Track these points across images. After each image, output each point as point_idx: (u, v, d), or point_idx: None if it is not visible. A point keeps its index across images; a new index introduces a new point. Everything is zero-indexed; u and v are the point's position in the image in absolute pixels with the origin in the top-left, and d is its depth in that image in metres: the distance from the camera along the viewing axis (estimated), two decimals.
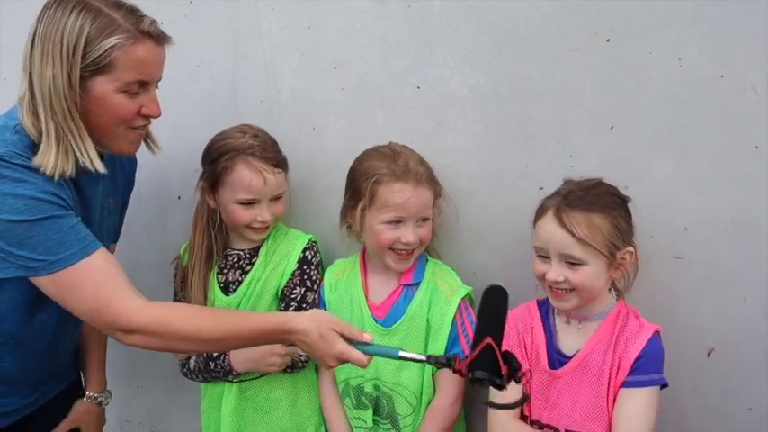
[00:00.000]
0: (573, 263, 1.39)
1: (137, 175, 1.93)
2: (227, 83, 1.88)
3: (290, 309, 1.67)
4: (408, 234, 1.56)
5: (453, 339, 1.58)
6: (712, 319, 1.55)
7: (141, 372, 2.18)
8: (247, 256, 1.73)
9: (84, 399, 1.72)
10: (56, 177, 1.31)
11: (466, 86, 1.65)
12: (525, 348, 1.50)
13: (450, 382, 1.59)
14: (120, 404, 2.17)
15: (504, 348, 1.23)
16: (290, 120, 1.80)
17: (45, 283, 1.30)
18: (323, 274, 1.74)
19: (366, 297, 1.65)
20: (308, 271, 1.70)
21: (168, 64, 1.89)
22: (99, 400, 1.74)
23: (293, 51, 1.79)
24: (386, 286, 1.65)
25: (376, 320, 1.62)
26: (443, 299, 1.59)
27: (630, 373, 1.39)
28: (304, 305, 1.67)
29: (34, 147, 1.33)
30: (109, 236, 1.59)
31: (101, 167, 1.35)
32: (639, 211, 1.49)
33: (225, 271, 1.72)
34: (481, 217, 1.69)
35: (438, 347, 1.57)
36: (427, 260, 1.66)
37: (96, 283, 1.30)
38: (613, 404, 1.41)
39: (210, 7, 1.86)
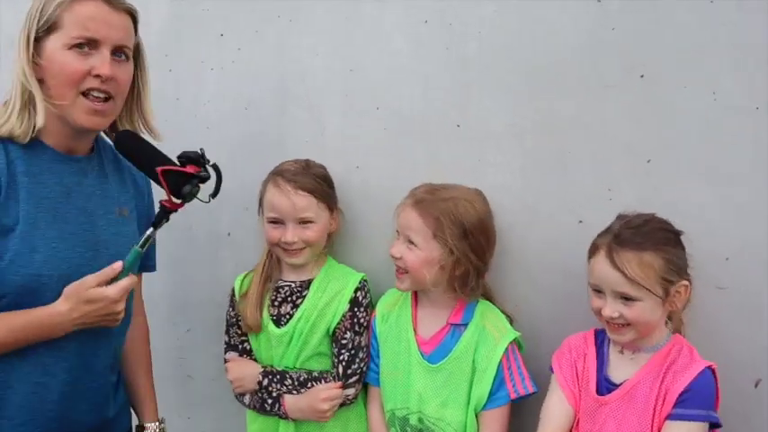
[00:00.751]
0: (627, 299, 1.41)
1: (188, 213, 2.00)
2: (275, 124, 1.95)
3: (343, 353, 1.71)
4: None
5: (499, 382, 1.60)
6: (758, 350, 1.53)
7: (192, 403, 2.24)
8: (298, 289, 1.78)
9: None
10: (25, 141, 1.35)
11: (504, 123, 1.69)
12: (577, 372, 1.52)
13: (492, 425, 1.61)
14: None
15: (186, 170, 1.39)
16: (335, 158, 1.85)
17: None
18: (371, 314, 1.79)
19: (415, 331, 1.68)
20: (358, 314, 1.74)
21: (218, 107, 2.01)
22: (161, 427, 1.72)
23: (337, 93, 1.86)
24: (435, 322, 1.67)
25: (422, 356, 1.65)
26: (491, 342, 1.61)
27: (675, 405, 1.39)
28: (352, 350, 1.72)
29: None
30: (131, 246, 1.54)
31: (41, 121, 1.35)
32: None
33: (276, 304, 1.78)
34: (521, 250, 1.71)
35: (483, 389, 1.59)
36: (477, 302, 1.67)
37: None
38: None
39: (258, 53, 1.95)
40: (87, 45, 1.37)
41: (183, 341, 2.20)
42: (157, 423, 1.72)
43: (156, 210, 1.44)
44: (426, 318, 1.69)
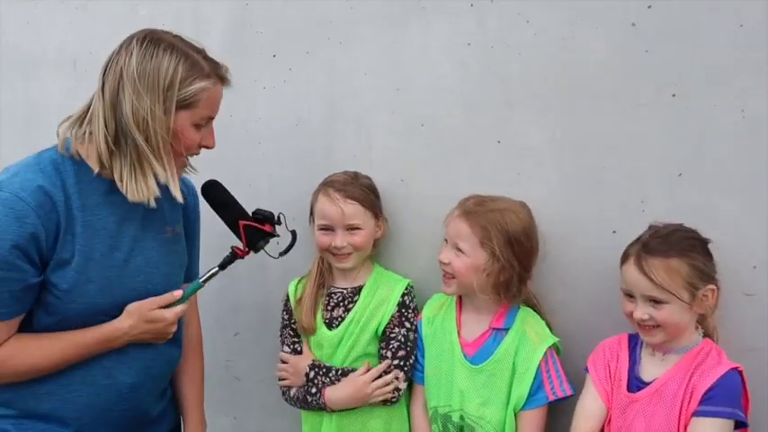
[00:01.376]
0: (656, 302, 1.49)
1: None
2: (323, 139, 2.04)
3: (392, 344, 1.80)
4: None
5: (538, 385, 1.67)
6: None
7: (239, 403, 2.32)
8: (350, 294, 1.88)
9: None
10: (138, 202, 1.42)
11: (542, 139, 1.76)
12: (610, 372, 1.60)
13: (531, 424, 1.68)
14: None
15: (264, 228, 1.57)
16: (381, 172, 1.93)
17: None
18: (417, 317, 1.87)
19: (459, 334, 1.77)
20: (406, 314, 1.84)
21: (270, 123, 2.11)
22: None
23: (383, 110, 1.94)
24: (478, 326, 1.76)
25: (465, 357, 1.73)
26: (530, 346, 1.68)
27: (701, 403, 1.46)
28: (408, 343, 1.81)
29: (61, 170, 1.41)
30: (180, 264, 1.65)
31: (180, 197, 1.47)
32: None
33: (329, 308, 1.88)
34: (559, 258, 1.77)
35: (522, 390, 1.67)
36: (519, 308, 1.75)
37: None
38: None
39: (308, 73, 2.04)
40: (207, 120, 1.51)
41: (230, 344, 2.29)
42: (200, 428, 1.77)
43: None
44: (470, 322, 1.78)
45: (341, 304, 1.88)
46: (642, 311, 1.51)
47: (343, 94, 2.00)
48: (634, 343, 1.62)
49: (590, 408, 1.60)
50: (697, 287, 1.47)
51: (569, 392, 1.68)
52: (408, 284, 1.88)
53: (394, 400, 1.81)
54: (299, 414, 1.95)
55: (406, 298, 1.85)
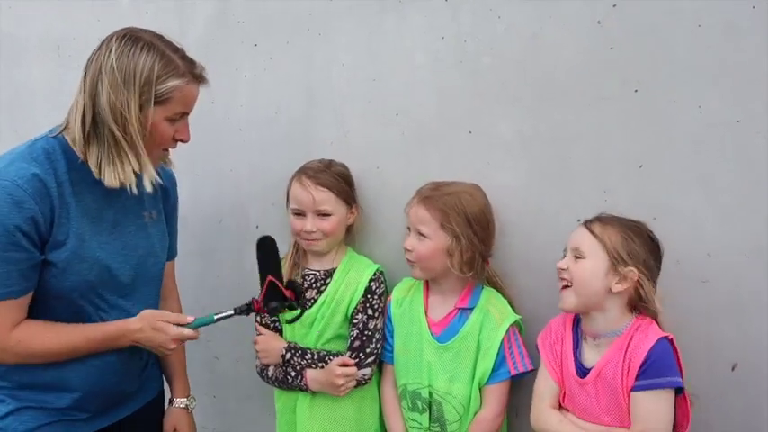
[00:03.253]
0: (578, 257, 1.56)
1: (219, 206, 2.17)
2: (302, 127, 2.08)
3: (354, 331, 1.87)
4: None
5: (501, 360, 1.76)
6: (736, 336, 1.65)
7: (217, 383, 2.38)
8: (322, 276, 1.93)
9: (173, 406, 1.86)
10: (117, 187, 1.50)
11: (511, 131, 1.81)
12: (556, 354, 1.66)
13: (495, 398, 1.77)
14: (196, 413, 2.27)
15: (286, 292, 1.59)
16: (356, 160, 1.98)
17: None
18: (386, 301, 1.94)
19: (426, 314, 1.84)
20: (371, 300, 1.89)
21: (250, 111, 2.14)
22: (186, 404, 1.88)
23: (360, 100, 1.98)
24: (444, 307, 1.84)
25: (432, 336, 1.81)
26: (493, 324, 1.76)
27: (638, 377, 1.51)
28: (366, 331, 1.87)
29: (53, 159, 1.48)
30: (161, 245, 1.74)
31: (150, 187, 1.54)
32: (667, 239, 1.60)
33: (304, 289, 1.92)
34: (525, 246, 1.84)
35: (486, 365, 1.75)
36: (482, 288, 1.83)
37: None
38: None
39: (287, 62, 2.08)
40: (180, 116, 1.57)
41: (211, 325, 2.33)
42: (185, 399, 1.89)
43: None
44: (436, 303, 1.85)
45: (314, 286, 1.94)
46: (565, 262, 1.58)
47: (322, 84, 2.04)
48: (577, 324, 1.67)
49: (543, 386, 1.67)
50: (620, 260, 1.52)
51: (530, 367, 1.77)
52: (377, 270, 1.93)
53: (363, 383, 1.88)
54: (273, 393, 2.02)
55: (373, 284, 1.90)
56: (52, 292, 1.53)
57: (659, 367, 1.50)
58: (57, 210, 1.49)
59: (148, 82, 1.48)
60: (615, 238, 1.54)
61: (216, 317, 1.62)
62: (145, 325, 1.57)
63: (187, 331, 1.60)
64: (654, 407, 1.50)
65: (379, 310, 1.90)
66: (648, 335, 1.53)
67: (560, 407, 1.66)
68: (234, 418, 2.39)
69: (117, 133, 1.48)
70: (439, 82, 1.89)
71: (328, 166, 1.92)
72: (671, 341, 1.53)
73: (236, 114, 2.18)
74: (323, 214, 1.87)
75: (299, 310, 1.64)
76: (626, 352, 1.54)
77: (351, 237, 2.01)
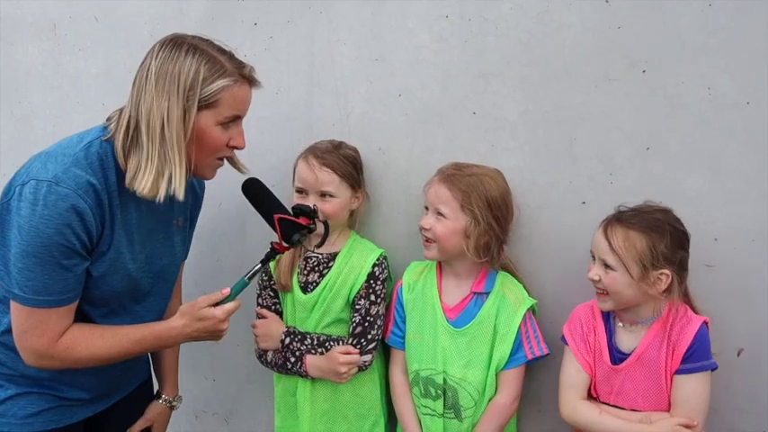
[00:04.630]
0: (607, 266, 1.56)
1: (219, 189, 2.13)
2: (303, 108, 2.05)
3: (356, 317, 1.85)
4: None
5: (518, 345, 1.75)
6: (742, 322, 1.65)
7: (217, 367, 2.37)
8: (325, 260, 1.91)
9: (160, 401, 1.87)
10: (148, 197, 1.45)
11: (517, 112, 1.79)
12: (589, 345, 1.66)
13: (511, 383, 1.76)
14: (196, 396, 2.38)
15: (299, 221, 1.60)
16: (359, 141, 1.95)
17: (9, 300, 1.46)
18: (390, 287, 1.92)
19: (440, 299, 1.82)
20: (374, 286, 1.87)
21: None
22: (173, 404, 1.90)
23: (362, 80, 1.96)
24: (458, 291, 1.82)
25: (448, 321, 1.79)
26: (511, 308, 1.75)
27: (683, 361, 1.54)
28: (368, 317, 1.85)
29: (106, 167, 1.46)
30: (182, 251, 1.74)
31: (182, 195, 1.47)
32: None
33: (305, 272, 1.91)
34: (530, 228, 1.82)
35: (504, 350, 1.74)
36: (497, 273, 1.81)
37: (47, 319, 1.45)
38: (671, 389, 1.57)
39: (288, 42, 2.04)
40: (232, 120, 1.53)
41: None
42: (171, 398, 1.90)
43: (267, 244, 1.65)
44: (450, 287, 1.83)
45: (316, 269, 1.91)
46: (594, 272, 1.58)
47: (323, 64, 2.01)
48: (606, 312, 1.67)
49: (575, 378, 1.66)
50: (648, 267, 1.51)
51: (546, 351, 1.76)
52: (381, 254, 1.90)
53: (363, 369, 1.87)
54: (273, 377, 2.00)
55: (376, 269, 1.88)
56: (79, 300, 1.51)
57: (703, 351, 1.55)
58: (107, 222, 1.48)
59: (193, 85, 1.43)
60: (640, 246, 1.52)
61: (246, 278, 1.59)
62: (189, 319, 1.54)
63: (230, 305, 1.56)
64: (697, 389, 1.54)
65: (382, 296, 1.88)
66: (691, 320, 1.56)
67: (590, 397, 1.67)
68: (234, 401, 2.38)
69: (153, 141, 1.43)
70: (443, 62, 1.87)
71: (337, 147, 1.89)
72: (707, 324, 1.58)
73: None
74: (325, 195, 1.84)
75: (314, 227, 1.64)
76: (669, 335, 1.56)
77: (354, 220, 1.98)
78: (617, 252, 1.53)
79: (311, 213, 1.63)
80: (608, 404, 1.63)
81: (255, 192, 1.66)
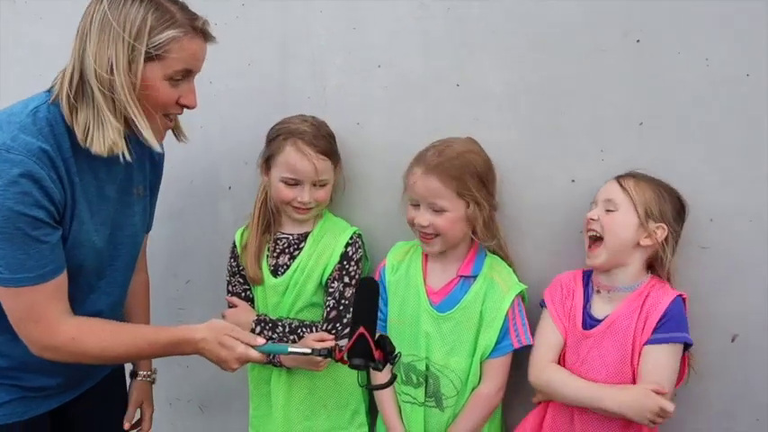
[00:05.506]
0: (609, 210, 1.56)
1: (189, 166, 2.05)
2: (276, 80, 1.97)
3: (330, 301, 1.78)
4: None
5: (504, 332, 1.68)
6: (736, 306, 1.61)
7: None
8: (296, 241, 1.83)
9: (139, 378, 1.82)
10: (105, 154, 1.36)
11: (502, 84, 1.73)
12: (565, 308, 1.65)
13: (496, 372, 1.70)
14: (170, 383, 2.31)
15: (375, 352, 1.39)
16: (336, 115, 1.88)
17: None
18: (365, 267, 1.85)
19: (425, 282, 1.75)
20: (347, 267, 1.79)
21: (221, 62, 1.99)
22: (152, 377, 1.84)
23: (339, 51, 1.88)
24: (444, 274, 1.74)
25: (431, 305, 1.72)
26: (498, 293, 1.69)
27: (654, 332, 1.53)
28: (342, 300, 1.77)
29: (57, 132, 1.37)
30: (143, 221, 1.66)
31: (157, 146, 1.41)
32: None
33: (275, 255, 1.83)
34: (515, 207, 1.76)
35: (490, 338, 1.68)
36: (486, 255, 1.74)
37: (36, 301, 1.36)
38: (638, 361, 1.54)
39: (261, 9, 1.96)
40: (182, 75, 1.43)
41: (182, 292, 2.25)
42: (149, 372, 1.83)
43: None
44: (436, 269, 1.76)
45: (286, 251, 1.84)
46: (595, 212, 1.58)
47: (298, 33, 1.93)
48: (587, 280, 1.66)
49: (551, 338, 1.64)
50: (652, 216, 1.54)
51: (532, 341, 1.69)
52: (354, 233, 1.83)
53: None
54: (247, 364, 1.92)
55: (349, 249, 1.81)
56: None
57: (676, 322, 1.54)
58: (66, 191, 1.39)
59: (140, 34, 1.34)
60: (648, 194, 1.55)
61: (290, 349, 1.50)
62: (211, 336, 1.47)
63: (254, 354, 1.48)
64: (664, 360, 1.53)
65: (357, 277, 1.81)
66: (667, 292, 1.57)
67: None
68: (207, 388, 2.33)
69: (102, 91, 1.34)
70: (424, 31, 1.79)
71: (318, 126, 1.80)
72: (684, 300, 1.57)
73: (205, 66, 2.00)
74: (320, 184, 1.77)
75: (380, 368, 1.44)
76: (642, 306, 1.56)
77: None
78: (627, 190, 1.55)
79: (391, 357, 1.42)
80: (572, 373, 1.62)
81: (367, 295, 1.45)
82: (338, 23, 1.88)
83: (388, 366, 1.43)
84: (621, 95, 1.63)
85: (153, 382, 1.85)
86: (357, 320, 1.41)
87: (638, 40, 1.59)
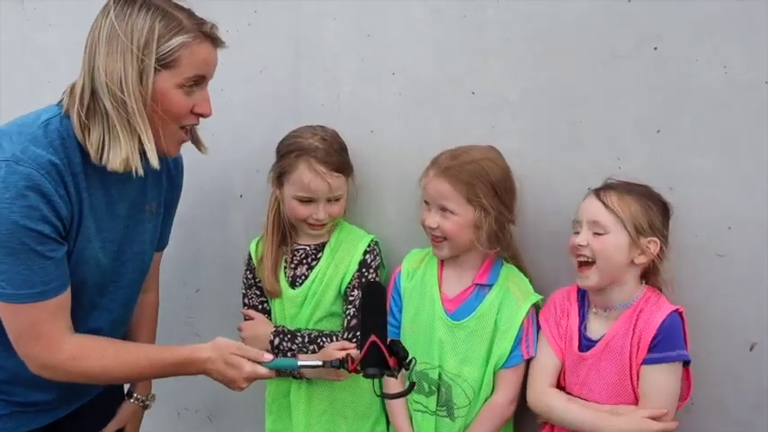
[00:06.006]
0: (598, 233, 1.51)
1: (200, 174, 2.03)
2: (289, 87, 1.97)
3: (350, 309, 1.76)
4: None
5: (517, 342, 1.67)
6: (755, 315, 1.59)
7: None
8: (313, 251, 1.82)
9: (132, 400, 1.77)
10: (121, 170, 1.34)
11: (517, 91, 1.72)
12: (561, 330, 1.62)
13: (509, 383, 1.68)
14: (178, 393, 2.28)
15: (390, 359, 1.36)
16: (349, 123, 1.87)
17: None
18: (382, 275, 1.84)
19: (440, 289, 1.74)
20: (366, 274, 1.79)
21: (233, 69, 1.99)
22: (146, 403, 1.80)
23: (353, 57, 1.88)
24: (460, 282, 1.73)
25: (446, 312, 1.71)
26: (514, 303, 1.67)
27: (649, 351, 1.50)
28: None
29: (68, 145, 1.35)
30: (154, 239, 1.63)
31: (156, 163, 1.37)
32: (684, 210, 1.56)
33: (293, 266, 1.82)
34: (531, 216, 1.75)
35: (504, 348, 1.66)
36: (502, 264, 1.73)
37: (38, 318, 1.34)
38: (637, 381, 1.52)
39: (273, 16, 1.96)
40: (194, 82, 1.41)
41: (191, 301, 2.24)
42: (144, 397, 1.79)
43: None
44: (452, 277, 1.75)
45: (304, 262, 1.83)
46: (583, 237, 1.53)
47: (311, 40, 1.93)
48: (582, 297, 1.63)
49: (547, 364, 1.63)
50: (642, 231, 1.50)
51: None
52: (371, 240, 1.82)
53: None
54: None
55: (368, 256, 1.80)
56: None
57: (671, 341, 1.50)
58: (73, 206, 1.36)
59: (148, 44, 1.32)
60: (635, 209, 1.51)
61: (300, 364, 1.49)
62: (216, 356, 1.44)
63: (262, 370, 1.45)
64: (663, 380, 1.50)
65: None
66: (660, 308, 1.53)
67: (559, 388, 1.63)
68: (216, 397, 2.29)
69: (116, 107, 1.32)
70: (439, 37, 1.79)
71: (332, 143, 1.77)
72: (680, 314, 1.53)
73: (217, 73, 2.00)
74: (334, 199, 1.77)
75: (395, 375, 1.41)
76: (635, 324, 1.53)
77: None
78: (613, 210, 1.50)
79: (405, 363, 1.39)
80: (573, 395, 1.60)
81: (375, 300, 1.44)
82: (351, 30, 1.88)
83: (403, 372, 1.41)
84: (638, 103, 1.62)
85: (146, 407, 1.81)
86: (367, 328, 1.38)
87: (655, 48, 1.58)
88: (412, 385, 1.46)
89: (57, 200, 1.31)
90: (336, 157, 1.76)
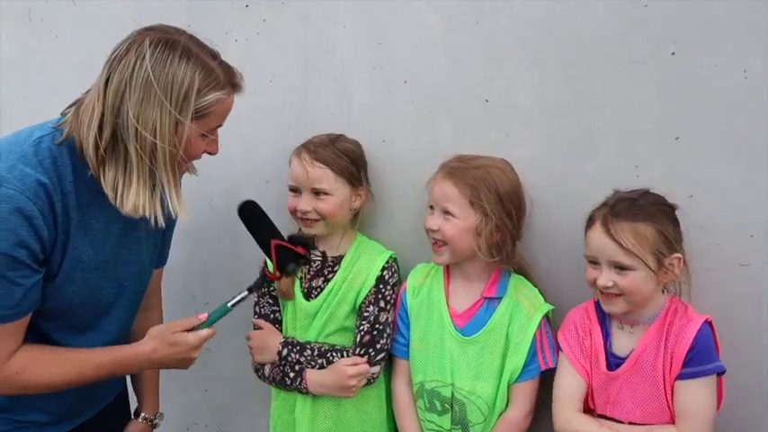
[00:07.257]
0: (622, 268, 1.46)
1: (209, 185, 2.01)
2: (299, 97, 1.95)
3: (364, 325, 1.73)
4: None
5: (532, 355, 1.64)
6: None
7: (209, 376, 2.26)
8: (330, 264, 1.80)
9: (140, 420, 1.75)
10: (137, 216, 1.34)
11: (532, 99, 1.70)
12: (584, 349, 1.58)
13: (524, 397, 1.65)
14: (188, 406, 2.28)
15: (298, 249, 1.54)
16: (361, 132, 1.85)
17: None
18: (399, 291, 1.80)
19: (448, 304, 1.71)
20: (383, 291, 1.76)
21: (243, 78, 1.99)
22: (155, 422, 1.78)
23: (364, 66, 1.86)
24: (468, 296, 1.70)
25: (456, 328, 1.68)
26: (525, 315, 1.65)
27: (684, 366, 1.47)
28: (377, 324, 1.73)
29: (60, 164, 1.33)
30: (151, 258, 1.62)
31: (183, 214, 1.39)
32: (704, 219, 1.54)
33: (308, 277, 1.80)
34: (547, 225, 1.73)
35: (517, 361, 1.63)
36: (510, 275, 1.71)
37: None
38: (672, 396, 1.48)
39: (283, 24, 1.94)
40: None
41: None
42: (152, 416, 1.77)
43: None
44: (459, 291, 1.72)
45: (320, 274, 1.80)
46: (606, 278, 1.47)
47: (321, 48, 1.90)
48: (602, 312, 1.59)
49: (571, 386, 1.58)
50: (664, 254, 1.46)
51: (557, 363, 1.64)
52: (390, 257, 1.80)
53: (371, 381, 1.76)
54: (270, 387, 1.88)
55: (386, 272, 1.77)
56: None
57: (706, 354, 1.47)
58: (59, 226, 1.34)
59: (188, 95, 1.32)
60: (652, 237, 1.45)
61: (230, 304, 1.50)
62: (158, 343, 1.44)
63: (205, 332, 1.47)
64: (701, 395, 1.47)
65: (392, 302, 1.77)
66: (691, 320, 1.50)
67: (587, 409, 1.58)
68: (227, 413, 2.28)
69: (140, 154, 1.30)
70: (452, 44, 1.76)
71: (334, 141, 1.78)
72: (710, 324, 1.50)
73: None
74: (319, 192, 1.73)
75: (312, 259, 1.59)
76: (666, 338, 1.49)
77: (359, 220, 1.87)
78: (631, 251, 1.44)
79: (309, 243, 1.54)
80: (604, 416, 1.55)
81: (252, 215, 1.55)
82: (362, 38, 1.86)
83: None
84: (656, 109, 1.59)
85: (154, 426, 1.78)
86: (263, 239, 1.52)
87: (672, 53, 1.55)
88: (306, 249, 1.58)
89: (39, 222, 1.29)
90: (326, 150, 1.74)
